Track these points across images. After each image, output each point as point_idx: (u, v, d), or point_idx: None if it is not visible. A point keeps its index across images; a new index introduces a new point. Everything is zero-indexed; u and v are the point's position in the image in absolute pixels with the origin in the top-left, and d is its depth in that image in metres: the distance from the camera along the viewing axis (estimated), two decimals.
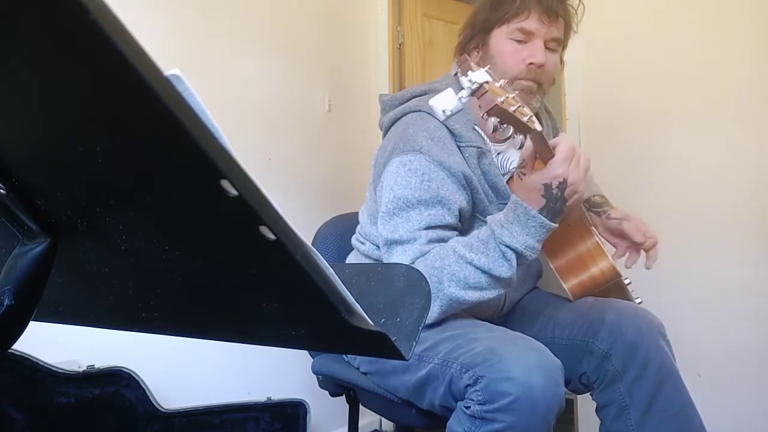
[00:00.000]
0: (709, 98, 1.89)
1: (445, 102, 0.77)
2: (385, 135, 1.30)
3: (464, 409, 0.97)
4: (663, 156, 1.97)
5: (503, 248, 1.03)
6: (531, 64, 1.18)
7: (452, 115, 0.78)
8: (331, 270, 0.34)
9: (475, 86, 0.77)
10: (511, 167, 1.24)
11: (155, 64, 0.25)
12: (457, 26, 2.88)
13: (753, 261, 1.82)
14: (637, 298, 1.36)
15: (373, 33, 2.59)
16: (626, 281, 1.30)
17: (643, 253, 1.29)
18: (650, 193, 1.95)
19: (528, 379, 0.92)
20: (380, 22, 2.59)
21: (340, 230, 1.52)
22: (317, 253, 0.33)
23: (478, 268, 1.04)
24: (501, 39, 1.20)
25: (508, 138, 0.86)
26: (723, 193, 1.87)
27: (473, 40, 1.26)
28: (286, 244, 0.31)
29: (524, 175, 1.03)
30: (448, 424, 1.02)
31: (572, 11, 1.23)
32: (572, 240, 1.21)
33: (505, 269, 1.03)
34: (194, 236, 0.36)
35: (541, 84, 1.21)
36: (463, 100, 0.78)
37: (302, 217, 1.99)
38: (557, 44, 1.22)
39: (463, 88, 0.79)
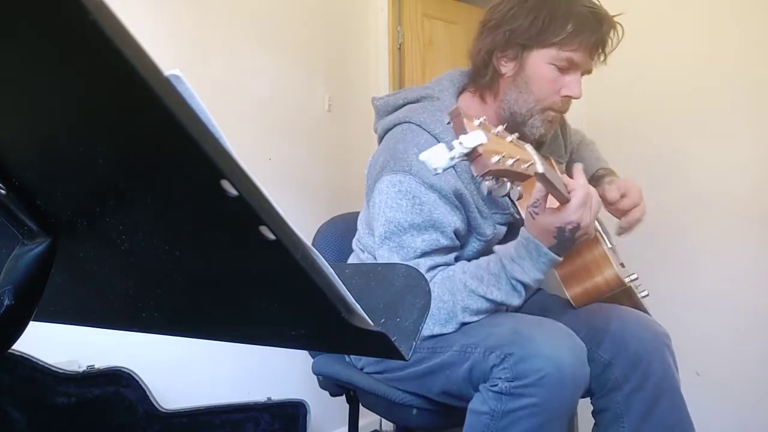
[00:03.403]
0: (712, 97, 1.89)
1: (435, 161, 0.74)
2: (379, 142, 1.28)
3: (490, 388, 0.98)
4: (665, 156, 1.97)
5: (514, 282, 1.06)
6: (567, 96, 1.14)
7: (443, 172, 0.76)
8: (331, 270, 0.34)
9: (467, 151, 0.73)
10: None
11: (155, 64, 0.25)
12: (457, 26, 2.89)
13: (754, 260, 1.82)
14: (644, 291, 1.35)
15: (373, 33, 2.59)
16: (633, 276, 1.28)
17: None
18: (651, 193, 1.93)
19: (558, 356, 0.94)
20: (380, 22, 2.59)
21: (340, 230, 1.52)
22: (317, 253, 0.33)
23: (490, 301, 1.07)
24: (541, 62, 1.12)
25: (507, 194, 0.83)
26: (725, 193, 1.86)
27: (507, 49, 1.14)
28: (286, 244, 0.31)
29: (536, 214, 1.02)
30: (469, 406, 1.02)
31: (610, 45, 1.17)
32: (579, 247, 1.18)
33: (515, 299, 1.08)
34: (194, 236, 0.36)
35: (563, 114, 1.20)
36: (455, 161, 0.75)
37: (302, 217, 1.99)
38: (587, 74, 1.18)
39: (454, 146, 0.75)
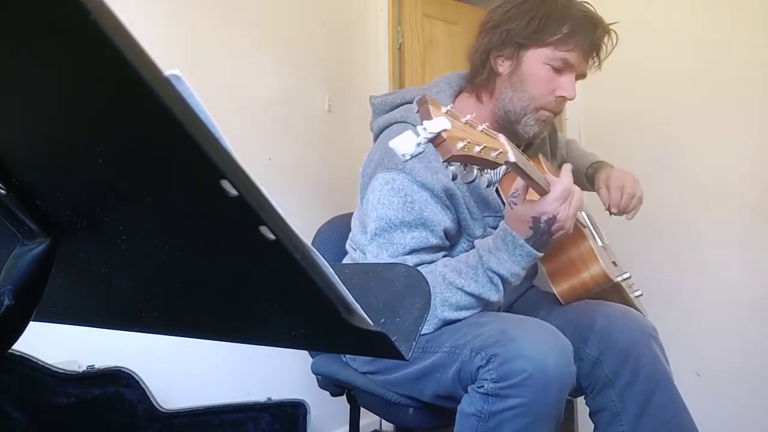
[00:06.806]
0: (709, 98, 1.89)
1: (404, 146, 0.74)
2: (375, 140, 1.29)
3: (477, 389, 0.98)
4: (663, 156, 1.97)
5: (490, 274, 1.05)
6: (561, 97, 1.15)
7: (413, 158, 0.76)
8: (331, 270, 0.34)
9: (431, 136, 0.74)
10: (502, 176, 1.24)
11: (155, 64, 0.25)
12: (457, 26, 2.89)
13: (753, 260, 1.82)
14: (637, 290, 1.35)
15: (373, 33, 2.59)
16: (626, 275, 1.28)
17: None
18: (650, 192, 1.94)
19: (542, 357, 0.94)
20: (380, 22, 2.59)
21: (340, 230, 1.52)
22: (317, 253, 0.33)
23: (468, 294, 1.07)
24: (537, 61, 1.14)
25: (474, 180, 0.84)
26: (723, 193, 1.87)
27: (503, 48, 1.17)
28: (286, 244, 0.31)
29: (515, 204, 1.03)
30: (458, 408, 1.02)
31: (605, 51, 1.19)
32: (564, 244, 1.19)
33: (493, 293, 1.07)
34: (194, 236, 0.36)
35: (556, 115, 1.21)
36: (421, 147, 0.75)
37: (302, 217, 1.99)
38: (581, 78, 1.19)
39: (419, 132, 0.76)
